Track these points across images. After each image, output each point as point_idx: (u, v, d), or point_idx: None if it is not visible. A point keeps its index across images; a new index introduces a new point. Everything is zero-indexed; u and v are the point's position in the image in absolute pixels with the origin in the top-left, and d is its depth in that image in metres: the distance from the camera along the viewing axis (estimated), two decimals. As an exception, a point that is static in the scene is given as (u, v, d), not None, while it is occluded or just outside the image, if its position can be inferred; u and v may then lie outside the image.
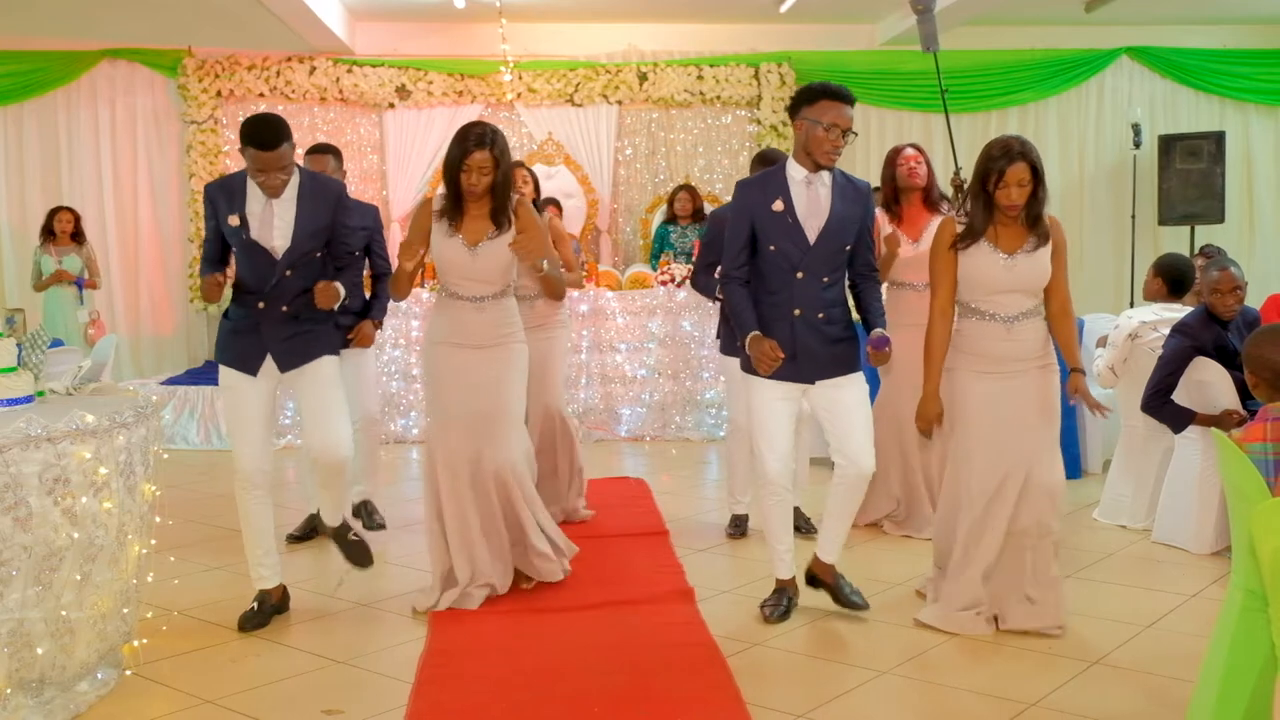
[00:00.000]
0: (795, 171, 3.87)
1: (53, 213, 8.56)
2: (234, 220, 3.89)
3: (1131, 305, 9.19)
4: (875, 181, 4.83)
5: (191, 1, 8.44)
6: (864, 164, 9.56)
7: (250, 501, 3.99)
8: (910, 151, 5.18)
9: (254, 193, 3.90)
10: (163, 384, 8.35)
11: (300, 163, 4.07)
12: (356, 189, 9.32)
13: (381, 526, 5.34)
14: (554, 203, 7.76)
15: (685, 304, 8.03)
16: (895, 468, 5.19)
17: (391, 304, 5.44)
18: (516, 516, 4.21)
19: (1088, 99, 10.49)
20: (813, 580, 4.07)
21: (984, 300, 3.80)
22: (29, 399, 3.47)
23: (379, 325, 5.25)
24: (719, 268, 4.24)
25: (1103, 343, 5.76)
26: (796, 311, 3.85)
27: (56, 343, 5.69)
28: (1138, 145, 10.04)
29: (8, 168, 9.64)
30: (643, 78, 9.95)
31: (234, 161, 9.36)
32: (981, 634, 3.80)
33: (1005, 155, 3.68)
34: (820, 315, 3.86)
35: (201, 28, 9.10)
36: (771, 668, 3.60)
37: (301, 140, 8.24)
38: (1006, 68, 10.31)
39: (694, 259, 5.70)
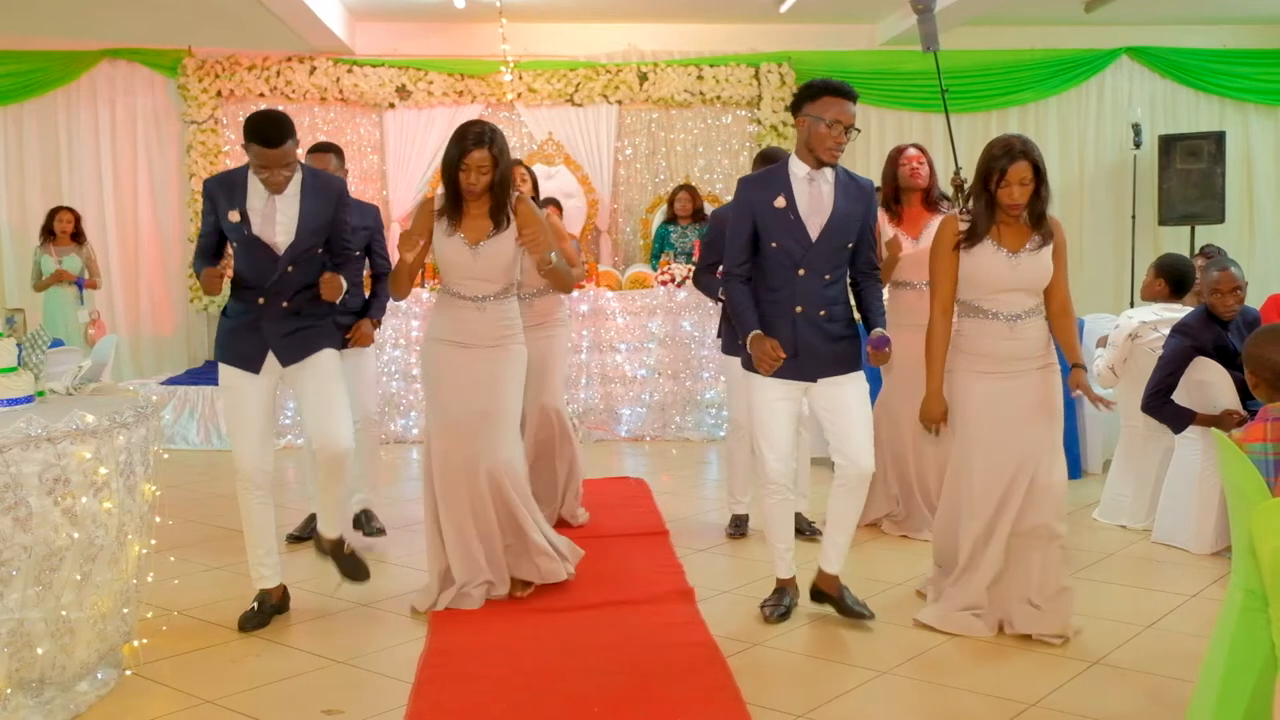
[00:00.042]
0: (798, 168, 3.87)
1: (53, 213, 8.56)
2: (234, 216, 3.88)
3: (1131, 305, 9.19)
4: (876, 181, 4.84)
5: (191, 1, 8.44)
6: (864, 164, 9.55)
7: (252, 501, 3.99)
8: (913, 152, 5.19)
9: (255, 188, 3.90)
10: (163, 384, 8.35)
11: (302, 160, 4.07)
12: (357, 189, 9.30)
13: (381, 532, 5.33)
14: (554, 202, 7.75)
15: (685, 304, 8.03)
16: (894, 468, 5.19)
17: (391, 304, 5.43)
18: (513, 516, 4.19)
19: (1088, 99, 10.50)
20: (817, 595, 4.05)
21: (986, 299, 3.79)
22: (29, 399, 3.47)
23: (378, 324, 5.24)
24: (721, 267, 4.24)
25: (1103, 343, 5.76)
26: (798, 309, 3.85)
27: (56, 343, 5.69)
28: (1138, 145, 10.04)
29: (8, 168, 9.64)
30: (643, 78, 9.95)
31: (234, 161, 9.36)
32: (981, 635, 3.80)
33: (1007, 154, 3.68)
34: (822, 313, 3.85)
35: (201, 28, 9.10)
36: (771, 668, 3.60)
37: (302, 141, 8.23)
38: (1006, 68, 10.31)
39: (694, 259, 5.70)
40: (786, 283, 3.86)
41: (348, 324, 4.99)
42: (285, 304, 3.95)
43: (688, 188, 9.46)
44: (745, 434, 4.87)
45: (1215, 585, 4.31)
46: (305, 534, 5.15)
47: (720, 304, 4.95)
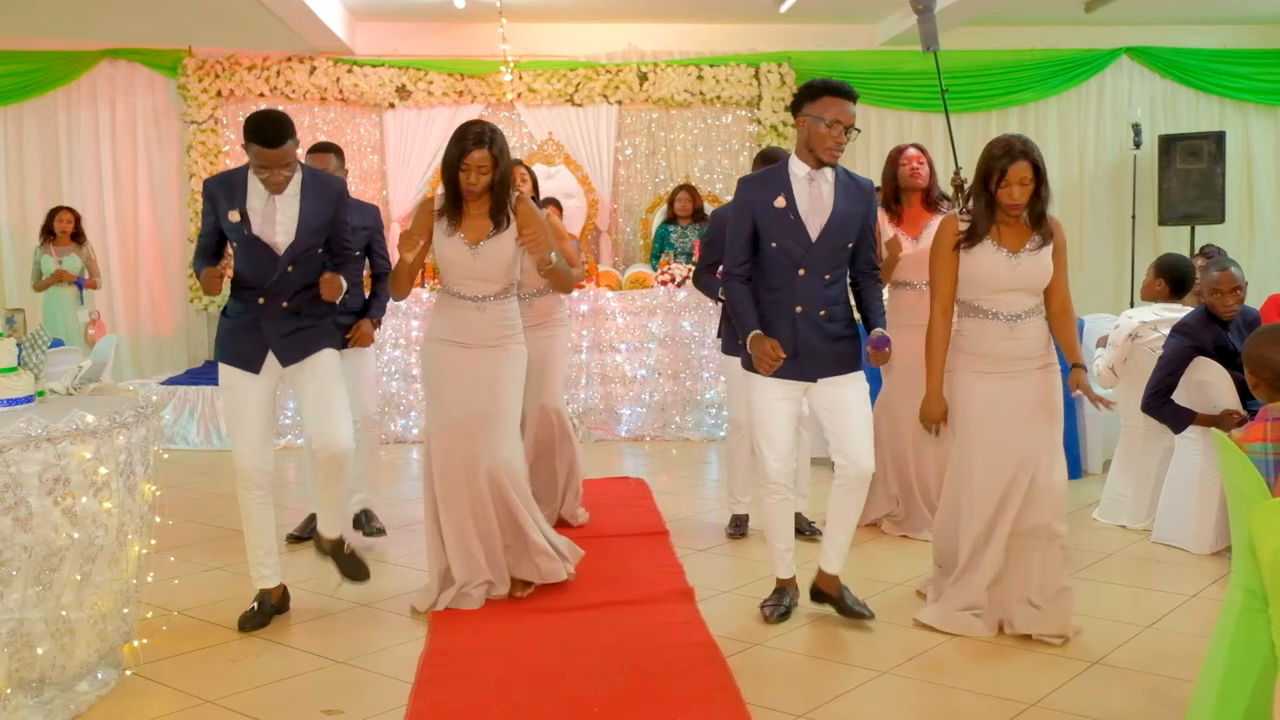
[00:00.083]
0: (798, 168, 3.87)
1: (53, 213, 8.56)
2: (234, 216, 3.88)
3: (1131, 305, 9.19)
4: (876, 181, 4.84)
5: (191, 1, 8.44)
6: (864, 164, 9.55)
7: (252, 501, 3.99)
8: (913, 152, 5.19)
9: (255, 188, 3.90)
10: (163, 384, 8.35)
11: (302, 160, 4.07)
12: (357, 189, 9.30)
13: (381, 532, 5.33)
14: (554, 202, 7.75)
15: (685, 304, 8.03)
16: (894, 468, 5.19)
17: (391, 304, 5.44)
18: (513, 516, 4.19)
19: (1088, 99, 10.50)
20: (817, 595, 4.05)
21: (987, 299, 3.79)
22: (29, 399, 3.47)
23: (378, 324, 5.24)
24: (720, 267, 4.23)
25: (1103, 343, 5.76)
26: (798, 309, 3.85)
27: (57, 343, 5.69)
28: (1138, 145, 10.04)
29: (8, 168, 9.64)
30: (643, 78, 9.95)
31: (234, 161, 9.36)
32: (981, 635, 3.80)
33: (1007, 154, 3.68)
34: (822, 313, 3.85)
35: (201, 28, 9.10)
36: (771, 668, 3.60)
37: (302, 141, 8.22)
38: (1006, 68, 10.31)
39: (694, 259, 5.70)
40: (786, 283, 3.86)
41: (348, 324, 4.99)
42: (285, 304, 3.95)
43: (688, 188, 9.46)
44: (745, 434, 4.87)
45: (1215, 585, 4.31)
46: (305, 534, 5.15)
47: (720, 304, 4.95)
